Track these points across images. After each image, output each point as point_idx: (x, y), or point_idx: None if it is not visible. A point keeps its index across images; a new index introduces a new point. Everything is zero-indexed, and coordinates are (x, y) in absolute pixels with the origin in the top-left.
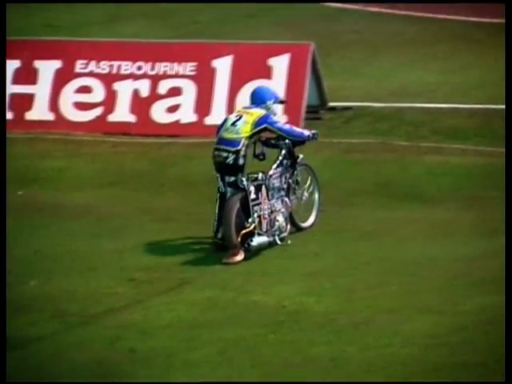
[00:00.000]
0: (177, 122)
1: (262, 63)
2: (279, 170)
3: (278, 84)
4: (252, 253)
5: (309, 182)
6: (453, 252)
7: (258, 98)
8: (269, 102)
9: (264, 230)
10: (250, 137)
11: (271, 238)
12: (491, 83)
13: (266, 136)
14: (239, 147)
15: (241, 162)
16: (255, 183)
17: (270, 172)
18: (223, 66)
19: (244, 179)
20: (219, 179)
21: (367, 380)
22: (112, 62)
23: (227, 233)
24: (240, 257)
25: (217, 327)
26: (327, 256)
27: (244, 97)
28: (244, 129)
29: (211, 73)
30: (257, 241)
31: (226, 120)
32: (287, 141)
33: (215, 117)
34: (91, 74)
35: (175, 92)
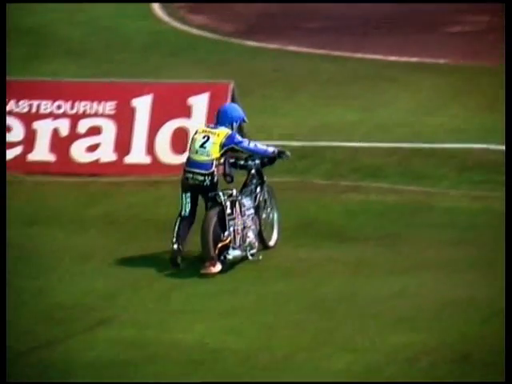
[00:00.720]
0: (96, 162)
1: (181, 102)
2: (249, 188)
3: (198, 123)
4: (227, 266)
5: (269, 202)
6: (371, 290)
7: (226, 118)
8: (235, 124)
9: (237, 244)
10: (219, 157)
11: (244, 253)
12: (409, 121)
13: (234, 157)
14: (212, 169)
15: (215, 180)
16: (230, 199)
17: (243, 190)
18: (143, 106)
19: (221, 194)
20: (186, 201)
21: None
22: (31, 101)
23: (205, 245)
24: (217, 268)
25: (138, 366)
26: (247, 293)
27: (164, 136)
28: (213, 150)
29: (131, 112)
30: (232, 254)
31: (192, 141)
32: (257, 161)
33: (135, 156)
34: (10, 113)
35: (95, 131)
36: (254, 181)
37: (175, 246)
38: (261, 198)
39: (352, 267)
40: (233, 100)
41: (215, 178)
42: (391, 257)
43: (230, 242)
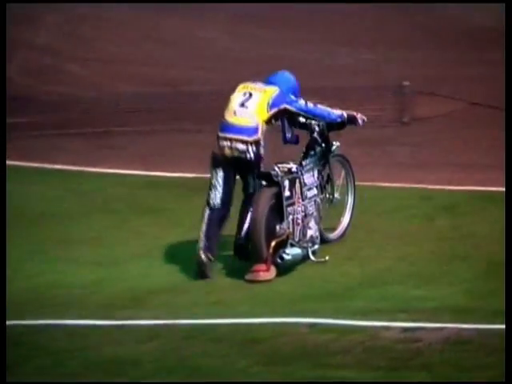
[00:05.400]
0: None
1: None
2: (311, 160)
3: None
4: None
5: (342, 180)
6: None
7: (282, 80)
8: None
9: (296, 239)
10: (267, 121)
11: (304, 251)
12: None
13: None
14: (258, 136)
15: (262, 153)
16: (289, 176)
17: (303, 162)
18: None
19: (277, 169)
20: (217, 184)
21: None
22: None
23: (256, 242)
24: (271, 273)
25: None
26: None
27: None
28: (258, 110)
29: None
30: (291, 253)
31: (229, 101)
32: (322, 122)
33: None
34: None
35: None
36: (318, 148)
37: (203, 256)
38: (323, 174)
39: None
40: None
41: (261, 150)
42: None
43: (288, 236)
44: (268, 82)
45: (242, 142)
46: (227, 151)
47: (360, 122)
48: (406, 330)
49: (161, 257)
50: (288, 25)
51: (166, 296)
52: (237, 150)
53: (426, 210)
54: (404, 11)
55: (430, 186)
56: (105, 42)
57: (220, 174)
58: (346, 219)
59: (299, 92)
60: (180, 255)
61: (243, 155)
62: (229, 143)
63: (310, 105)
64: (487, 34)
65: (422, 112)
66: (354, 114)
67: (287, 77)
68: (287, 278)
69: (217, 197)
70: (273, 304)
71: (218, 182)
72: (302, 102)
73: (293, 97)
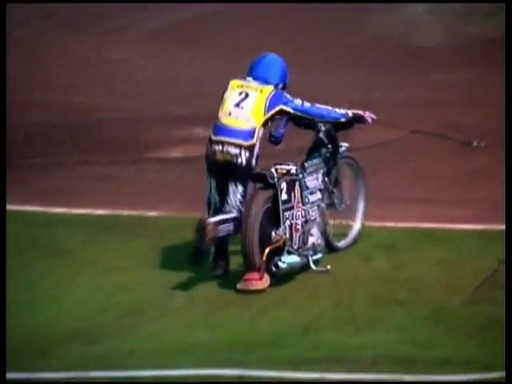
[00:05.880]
0: None
1: None
2: (315, 161)
3: None
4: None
5: (352, 183)
6: None
7: (274, 73)
8: (280, 85)
9: (295, 246)
10: (264, 124)
11: (304, 260)
12: None
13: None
14: (254, 140)
15: (254, 162)
16: (287, 178)
17: (305, 164)
18: None
19: (273, 171)
20: (215, 190)
21: None
22: None
23: (248, 249)
24: (264, 282)
25: None
26: None
27: None
28: (255, 112)
29: None
30: (288, 261)
31: (223, 100)
32: None
33: None
34: None
35: None
36: (323, 150)
37: (208, 219)
38: (329, 178)
39: None
40: None
41: (254, 157)
42: None
43: (284, 243)
44: (257, 76)
45: (236, 145)
46: (219, 156)
47: (369, 120)
48: (341, 382)
49: (70, 302)
50: (207, 42)
51: (76, 345)
52: (228, 153)
53: (363, 250)
54: (340, 29)
55: (367, 223)
56: None
57: (214, 182)
58: (357, 226)
59: (288, 75)
60: (91, 300)
61: (234, 159)
62: (221, 147)
63: (307, 104)
64: (430, 54)
65: (358, 141)
66: (361, 112)
67: (275, 63)
68: (209, 324)
69: (217, 200)
70: (195, 354)
71: (214, 189)
72: (298, 101)
73: (288, 96)
